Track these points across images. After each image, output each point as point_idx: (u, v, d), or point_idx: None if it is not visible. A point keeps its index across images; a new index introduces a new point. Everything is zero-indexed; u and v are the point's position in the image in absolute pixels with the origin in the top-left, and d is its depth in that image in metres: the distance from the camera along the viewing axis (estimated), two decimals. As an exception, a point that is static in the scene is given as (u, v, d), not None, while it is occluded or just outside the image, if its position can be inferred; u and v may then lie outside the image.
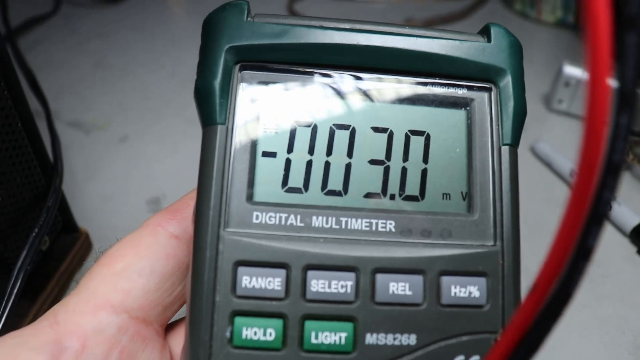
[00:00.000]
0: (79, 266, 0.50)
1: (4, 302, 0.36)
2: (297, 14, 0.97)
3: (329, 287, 0.25)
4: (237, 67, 0.26)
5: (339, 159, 0.27)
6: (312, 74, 0.27)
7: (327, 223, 0.26)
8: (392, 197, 0.26)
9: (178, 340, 0.29)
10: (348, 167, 0.26)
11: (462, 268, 0.26)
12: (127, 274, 0.27)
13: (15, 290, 0.36)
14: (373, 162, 0.27)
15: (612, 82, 0.14)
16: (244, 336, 0.24)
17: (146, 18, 0.99)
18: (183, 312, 0.29)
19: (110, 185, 0.62)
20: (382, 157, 0.27)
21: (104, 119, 0.73)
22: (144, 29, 0.96)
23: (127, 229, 0.55)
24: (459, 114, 0.27)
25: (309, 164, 0.26)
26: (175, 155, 0.67)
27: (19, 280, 0.37)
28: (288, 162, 0.26)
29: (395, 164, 0.27)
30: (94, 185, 0.62)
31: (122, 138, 0.69)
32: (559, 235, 0.16)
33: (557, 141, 0.68)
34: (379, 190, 0.27)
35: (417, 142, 0.27)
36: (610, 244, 0.56)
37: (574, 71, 0.71)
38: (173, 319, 0.30)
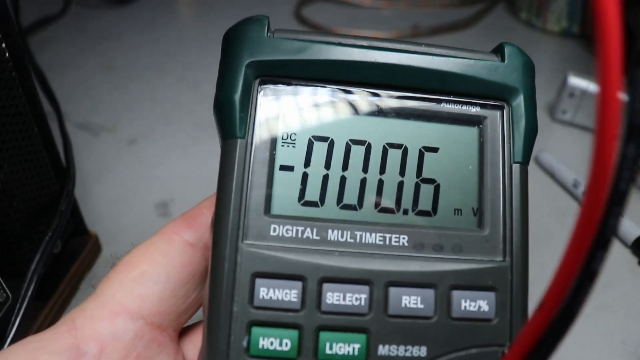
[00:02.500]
0: (88, 269, 0.50)
1: (18, 305, 0.37)
2: (304, 20, 0.98)
3: (344, 299, 0.25)
4: (257, 81, 0.27)
5: (354, 174, 0.27)
6: (329, 89, 0.27)
7: (342, 237, 0.26)
8: (406, 212, 0.27)
9: (191, 345, 0.30)
10: (363, 182, 0.27)
11: (472, 283, 0.26)
12: (144, 280, 0.28)
13: (29, 293, 0.37)
14: (387, 177, 0.27)
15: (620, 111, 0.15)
16: (260, 346, 0.25)
17: (155, 20, 1.00)
18: (195, 317, 0.30)
19: (118, 188, 0.62)
20: (396, 172, 0.27)
21: (113, 121, 0.73)
22: (152, 31, 0.96)
23: (136, 232, 0.56)
24: (472, 132, 0.28)
25: (325, 178, 0.27)
26: (183, 158, 0.67)
27: (33, 283, 0.37)
28: (305, 176, 0.27)
29: (409, 179, 0.27)
30: (102, 188, 0.62)
31: (131, 140, 0.70)
32: (566, 258, 0.16)
33: (561, 151, 0.69)
34: (393, 205, 0.27)
35: (430, 158, 0.28)
36: (611, 255, 0.56)
37: (578, 82, 0.71)
38: (186, 325, 0.30)
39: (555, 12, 0.97)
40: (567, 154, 0.69)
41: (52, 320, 0.44)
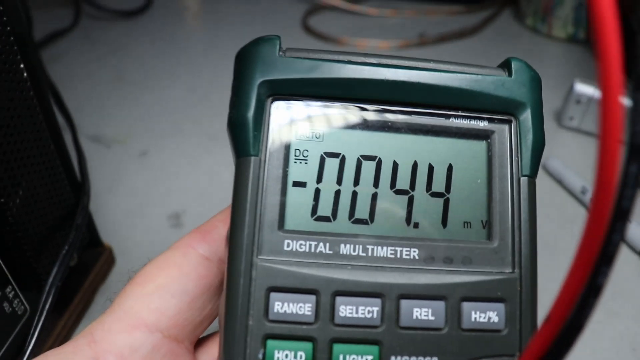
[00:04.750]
0: (102, 281, 0.51)
1: (36, 317, 0.37)
2: (311, 29, 0.99)
3: (357, 312, 0.26)
4: (270, 100, 0.27)
5: (365, 189, 0.28)
6: (340, 107, 0.28)
7: (354, 251, 0.27)
8: (416, 225, 0.28)
9: (207, 356, 0.30)
10: (374, 196, 0.28)
11: (482, 294, 0.27)
12: (161, 294, 0.28)
13: (47, 306, 0.37)
14: (398, 192, 0.28)
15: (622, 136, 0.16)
16: (275, 358, 0.25)
17: (164, 32, 1.01)
18: (211, 328, 0.31)
19: (131, 200, 0.63)
20: (406, 187, 0.28)
21: (124, 133, 0.74)
22: (162, 43, 0.97)
23: (149, 243, 0.56)
24: (480, 146, 0.29)
25: (337, 193, 0.27)
26: (195, 170, 0.68)
27: (51, 296, 0.38)
28: (317, 191, 0.27)
29: (419, 193, 0.28)
30: (115, 200, 0.63)
31: (143, 152, 0.71)
32: (571, 273, 0.17)
33: (569, 158, 0.69)
34: (403, 219, 0.28)
35: (440, 173, 0.28)
36: (620, 261, 0.56)
37: (585, 88, 0.71)
38: (202, 336, 0.31)
39: (561, 18, 0.97)
40: (574, 161, 0.69)
41: (68, 332, 0.45)
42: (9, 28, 0.36)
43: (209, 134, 0.74)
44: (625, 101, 0.16)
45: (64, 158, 0.43)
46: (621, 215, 0.16)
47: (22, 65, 0.37)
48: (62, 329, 0.44)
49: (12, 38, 0.37)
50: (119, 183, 0.66)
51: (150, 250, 0.30)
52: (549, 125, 0.76)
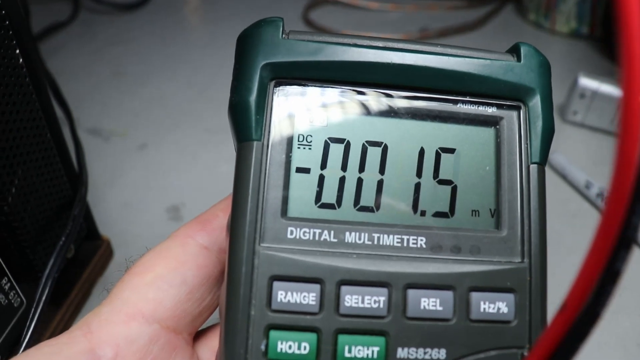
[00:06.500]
0: (100, 273, 0.50)
1: (32, 309, 0.37)
2: (312, 23, 0.98)
3: (362, 302, 0.25)
4: (272, 83, 0.27)
5: (371, 176, 0.27)
6: (345, 91, 0.27)
7: (359, 239, 0.26)
8: (423, 213, 0.27)
9: (206, 348, 0.30)
10: (380, 183, 0.27)
11: (490, 284, 0.26)
12: (158, 284, 0.28)
13: (43, 298, 0.37)
14: (404, 179, 0.27)
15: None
16: (278, 349, 0.24)
17: (163, 26, 1.00)
18: (210, 320, 0.30)
19: (130, 193, 0.63)
20: (413, 174, 0.27)
21: (123, 126, 0.74)
22: (160, 37, 0.97)
23: (148, 236, 0.56)
24: (489, 132, 0.28)
25: (342, 180, 0.27)
26: (193, 163, 0.67)
27: (47, 288, 0.37)
28: (321, 178, 0.27)
29: (426, 181, 0.27)
30: (114, 193, 0.62)
31: (141, 146, 0.70)
32: (589, 258, 0.16)
33: (572, 153, 0.69)
34: (410, 207, 0.27)
35: (447, 160, 0.27)
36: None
37: (589, 83, 0.71)
38: (201, 328, 0.30)
39: (564, 13, 0.97)
40: (578, 155, 0.69)
41: (65, 324, 0.45)
42: (7, 22, 0.36)
43: (208, 127, 0.73)
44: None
45: (61, 149, 0.43)
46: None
47: (20, 60, 0.37)
48: (59, 321, 0.44)
49: (10, 32, 0.36)
50: (118, 176, 0.65)
51: (149, 242, 0.30)
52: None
